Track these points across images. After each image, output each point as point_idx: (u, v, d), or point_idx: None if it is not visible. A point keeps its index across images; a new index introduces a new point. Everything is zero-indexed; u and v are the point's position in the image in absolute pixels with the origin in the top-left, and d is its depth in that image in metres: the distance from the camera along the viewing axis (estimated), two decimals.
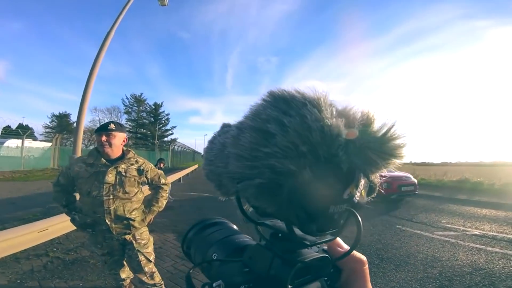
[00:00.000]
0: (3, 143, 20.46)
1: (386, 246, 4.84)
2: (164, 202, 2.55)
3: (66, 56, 68.54)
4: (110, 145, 2.18)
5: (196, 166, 27.19)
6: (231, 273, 0.37)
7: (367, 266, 0.40)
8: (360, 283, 0.39)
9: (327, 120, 0.29)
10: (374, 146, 0.31)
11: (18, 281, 3.22)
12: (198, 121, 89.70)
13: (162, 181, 2.50)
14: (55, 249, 4.25)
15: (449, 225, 6.37)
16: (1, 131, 21.01)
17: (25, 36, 60.06)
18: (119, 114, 45.57)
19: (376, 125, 0.32)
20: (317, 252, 0.39)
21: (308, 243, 0.36)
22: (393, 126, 0.32)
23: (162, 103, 47.81)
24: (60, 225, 3.99)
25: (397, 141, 0.32)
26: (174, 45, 77.86)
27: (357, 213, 0.34)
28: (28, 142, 21.45)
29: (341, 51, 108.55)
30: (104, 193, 2.15)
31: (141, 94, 46.97)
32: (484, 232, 5.74)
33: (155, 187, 2.51)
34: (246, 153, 0.31)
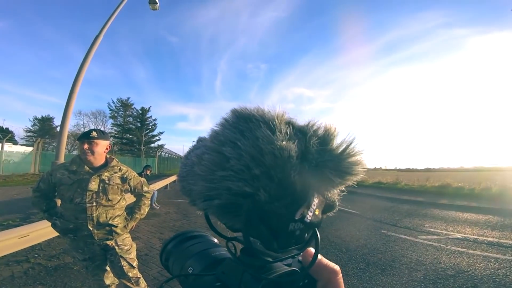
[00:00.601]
0: None
1: (372, 250, 4.92)
2: (147, 210, 2.57)
3: (50, 57, 66.78)
4: (93, 153, 2.17)
5: None
6: (202, 287, 0.38)
7: (340, 275, 0.40)
8: None
9: (278, 143, 0.29)
10: (331, 165, 0.31)
11: None
12: (186, 127, 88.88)
13: (145, 189, 2.52)
14: (36, 255, 4.16)
15: (432, 229, 6.53)
16: None
17: (7, 35, 58.22)
18: (105, 118, 44.56)
19: (335, 142, 0.33)
20: (290, 264, 0.40)
21: (272, 258, 0.37)
22: (351, 142, 0.33)
23: (149, 108, 47.03)
24: (41, 231, 3.88)
25: (354, 158, 0.33)
26: (163, 49, 77.37)
27: (316, 230, 0.35)
28: (8, 146, 20.80)
29: (328, 59, 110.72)
30: (87, 200, 2.14)
31: (128, 98, 46.03)
32: (465, 235, 5.92)
33: (138, 195, 2.53)
34: (206, 174, 0.32)
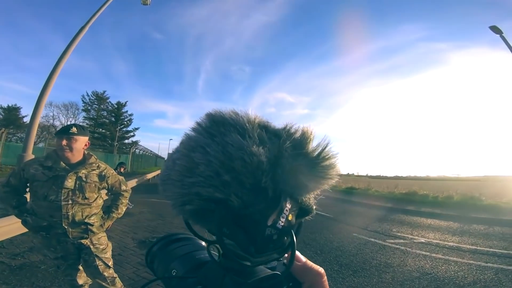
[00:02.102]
0: None
1: (345, 253, 5.10)
2: (124, 209, 2.51)
3: (23, 44, 62.57)
4: (71, 149, 2.09)
5: (159, 171, 26.20)
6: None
7: (325, 278, 0.41)
8: None
9: (248, 149, 0.29)
10: (305, 169, 0.31)
11: None
12: (164, 125, 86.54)
13: (123, 187, 2.46)
14: None
15: (399, 234, 6.89)
16: None
17: None
18: (77, 111, 42.32)
19: (311, 146, 0.33)
20: (274, 267, 0.40)
21: (252, 262, 0.36)
22: (326, 146, 0.33)
23: (126, 103, 45.23)
24: (4, 228, 3.63)
25: (329, 162, 0.33)
26: (146, 44, 74.91)
27: (293, 234, 0.35)
28: None
29: (310, 66, 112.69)
30: (62, 198, 2.06)
31: (104, 92, 43.96)
32: (429, 240, 6.30)
33: (115, 194, 2.46)
34: (178, 180, 0.32)
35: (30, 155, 5.97)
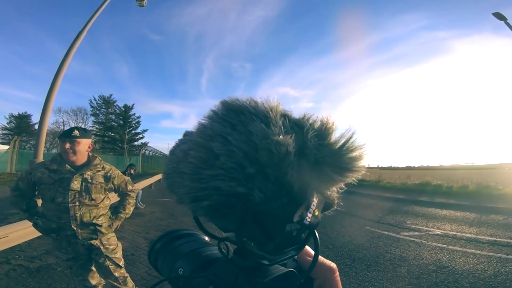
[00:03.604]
0: None
1: (357, 247, 5.02)
2: (131, 209, 2.53)
3: (27, 53, 63.91)
4: (75, 152, 2.12)
5: None
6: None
7: (337, 274, 0.40)
8: None
9: (274, 138, 0.27)
10: (330, 161, 0.29)
11: None
12: (171, 125, 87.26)
13: (129, 187, 2.47)
14: (17, 256, 4.04)
15: (413, 226, 6.75)
16: None
17: None
18: (86, 116, 43.13)
19: (333, 137, 0.31)
20: (285, 264, 0.38)
21: (267, 260, 0.34)
22: (351, 137, 0.31)
23: (133, 105, 45.83)
24: (21, 232, 3.76)
25: (355, 154, 0.30)
26: (147, 46, 75.60)
27: (315, 232, 0.33)
28: None
29: (312, 60, 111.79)
30: (69, 200, 2.09)
31: (111, 95, 44.61)
32: (445, 231, 6.14)
33: (122, 194, 2.48)
34: (193, 173, 0.29)
35: (40, 160, 6.03)
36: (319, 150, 0.29)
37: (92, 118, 43.37)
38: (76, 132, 2.11)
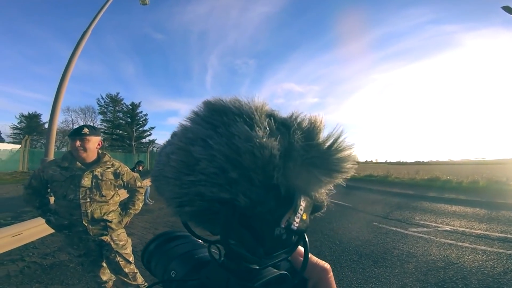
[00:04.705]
0: None
1: (365, 242, 5.00)
2: (140, 205, 2.57)
3: (33, 54, 64.78)
4: (85, 149, 2.16)
5: None
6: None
7: (331, 274, 0.39)
8: None
9: (258, 140, 0.26)
10: (318, 162, 0.28)
11: None
12: (177, 122, 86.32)
13: (138, 184, 2.51)
14: (30, 253, 4.13)
15: (422, 222, 6.68)
16: None
17: None
18: (94, 114, 43.47)
19: (321, 136, 0.30)
20: (278, 265, 0.38)
21: (257, 264, 0.34)
22: (339, 136, 0.30)
23: (139, 103, 45.98)
24: (34, 229, 3.89)
25: (343, 154, 0.29)
26: (151, 45, 75.51)
27: (305, 235, 0.33)
28: None
29: (317, 55, 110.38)
30: (80, 196, 2.14)
31: (118, 94, 44.79)
32: (454, 228, 6.07)
33: (131, 190, 2.52)
34: (175, 178, 0.29)
35: (51, 159, 6.14)
36: (306, 151, 0.28)
37: (100, 117, 43.74)
38: (85, 130, 2.15)
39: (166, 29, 78.91)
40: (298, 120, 0.30)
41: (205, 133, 0.27)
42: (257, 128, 0.27)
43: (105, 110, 44.12)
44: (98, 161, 2.27)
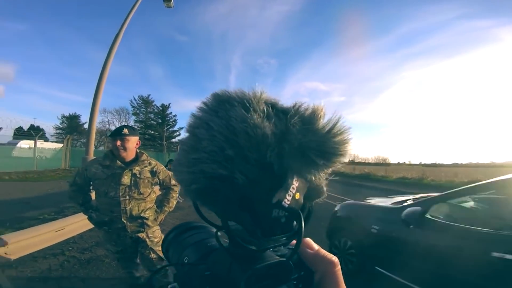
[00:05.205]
0: (16, 144, 21.20)
1: None
2: (174, 203, 2.65)
3: (69, 58, 69.59)
4: (125, 149, 2.25)
5: None
6: (191, 276, 0.38)
7: (339, 268, 0.38)
8: (331, 286, 0.38)
9: (251, 121, 0.28)
10: (315, 145, 0.29)
11: (37, 279, 3.29)
12: None
13: (173, 182, 2.58)
14: (70, 248, 4.34)
15: None
16: (14, 132, 21.34)
17: (29, 37, 61.46)
18: (127, 115, 45.92)
19: (321, 122, 0.31)
20: (285, 254, 0.38)
21: (257, 245, 0.34)
22: (338, 121, 0.31)
23: (169, 105, 47.74)
24: (75, 224, 4.09)
25: (340, 137, 0.31)
26: (175, 46, 77.08)
27: (301, 216, 0.32)
28: (40, 143, 21.69)
29: (341, 52, 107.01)
30: (120, 194, 2.23)
31: (149, 95, 46.71)
32: None
33: (166, 188, 2.59)
34: (183, 158, 0.32)
35: (91, 157, 6.56)
36: (304, 135, 0.29)
37: (133, 117, 45.99)
38: (125, 131, 2.25)
39: (189, 30, 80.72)
40: (301, 108, 0.32)
41: (208, 118, 0.30)
42: (253, 111, 0.29)
43: (137, 111, 46.34)
44: (137, 160, 2.35)
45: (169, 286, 0.36)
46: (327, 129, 0.30)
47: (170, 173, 2.60)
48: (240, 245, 0.33)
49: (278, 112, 0.31)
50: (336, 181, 17.24)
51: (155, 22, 71.12)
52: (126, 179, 2.25)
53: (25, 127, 28.76)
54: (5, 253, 2.92)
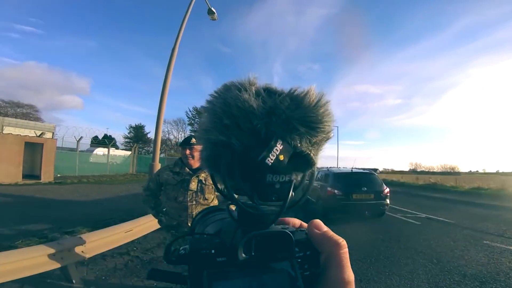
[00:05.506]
0: (93, 151, 23.84)
1: (470, 262, 4.34)
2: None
3: (132, 71, 77.40)
4: (193, 157, 2.44)
5: None
6: (201, 241, 0.39)
7: (345, 250, 0.37)
8: (334, 269, 0.37)
9: (241, 97, 0.33)
10: (298, 117, 0.34)
11: (103, 277, 3.58)
12: None
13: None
14: (135, 248, 4.64)
15: None
16: (91, 141, 24.33)
17: (99, 53, 70.12)
18: (184, 125, 49.01)
19: (308, 100, 0.35)
20: (294, 231, 0.39)
21: (254, 209, 0.37)
22: (322, 97, 0.35)
23: None
24: (142, 226, 4.44)
25: (322, 109, 0.35)
26: (221, 58, 79.95)
27: (292, 182, 0.36)
28: (112, 151, 24.39)
29: (393, 51, 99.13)
30: (188, 199, 2.39)
31: (202, 106, 50.08)
32: None
33: None
34: (199, 134, 0.38)
35: (157, 164, 7.29)
36: (292, 110, 0.34)
37: (189, 127, 48.87)
38: (193, 140, 2.45)
39: (232, 42, 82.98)
40: (292, 89, 0.36)
41: (214, 100, 0.36)
42: (244, 91, 0.34)
43: (192, 122, 49.03)
44: (202, 167, 2.52)
45: (181, 248, 0.39)
46: (311, 104, 0.34)
47: None
48: (244, 213, 0.37)
49: (270, 93, 0.35)
50: (398, 192, 16.19)
51: (201, 36, 75.05)
52: (193, 185, 2.42)
53: (100, 136, 32.33)
54: (82, 251, 3.31)
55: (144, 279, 3.55)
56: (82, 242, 3.34)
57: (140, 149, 33.72)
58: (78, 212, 7.30)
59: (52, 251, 2.97)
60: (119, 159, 24.79)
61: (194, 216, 2.35)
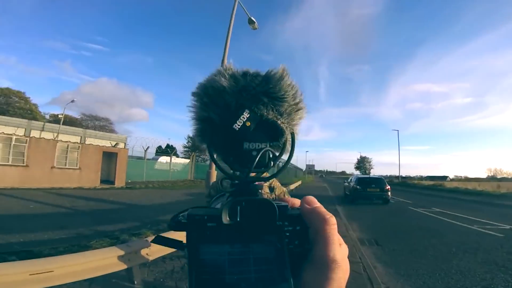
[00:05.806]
0: (157, 159, 26.57)
1: None
2: None
3: (185, 84, 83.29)
4: None
5: (300, 182, 27.73)
6: (199, 210, 0.39)
7: (332, 226, 0.36)
8: (320, 245, 0.35)
9: (215, 78, 0.38)
10: (264, 90, 0.38)
11: (161, 279, 3.75)
12: (298, 138, 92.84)
13: (287, 197, 2.53)
14: None
15: None
16: (156, 150, 26.87)
17: (157, 68, 77.17)
18: None
19: (274, 75, 0.39)
20: (285, 205, 0.39)
21: (238, 179, 0.40)
22: (284, 70, 0.39)
23: None
24: None
25: (283, 81, 0.38)
26: (263, 66, 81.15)
27: (268, 153, 0.40)
28: (173, 159, 26.86)
29: (454, 46, 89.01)
30: None
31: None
32: None
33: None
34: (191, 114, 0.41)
35: (214, 171, 7.75)
36: (262, 86, 0.38)
37: None
38: None
39: (273, 49, 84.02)
40: (268, 71, 0.39)
41: (197, 85, 0.40)
42: (219, 75, 0.38)
43: None
44: None
45: (180, 214, 0.41)
46: (275, 78, 0.38)
47: (285, 189, 2.63)
48: (234, 182, 0.40)
49: (245, 75, 0.39)
50: (477, 202, 14.57)
51: (243, 46, 78.09)
52: None
53: (163, 146, 35.17)
54: (147, 254, 3.49)
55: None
56: (148, 245, 3.49)
57: (197, 157, 35.83)
58: (144, 215, 7.86)
59: (121, 252, 3.14)
60: (179, 166, 26.91)
61: None
